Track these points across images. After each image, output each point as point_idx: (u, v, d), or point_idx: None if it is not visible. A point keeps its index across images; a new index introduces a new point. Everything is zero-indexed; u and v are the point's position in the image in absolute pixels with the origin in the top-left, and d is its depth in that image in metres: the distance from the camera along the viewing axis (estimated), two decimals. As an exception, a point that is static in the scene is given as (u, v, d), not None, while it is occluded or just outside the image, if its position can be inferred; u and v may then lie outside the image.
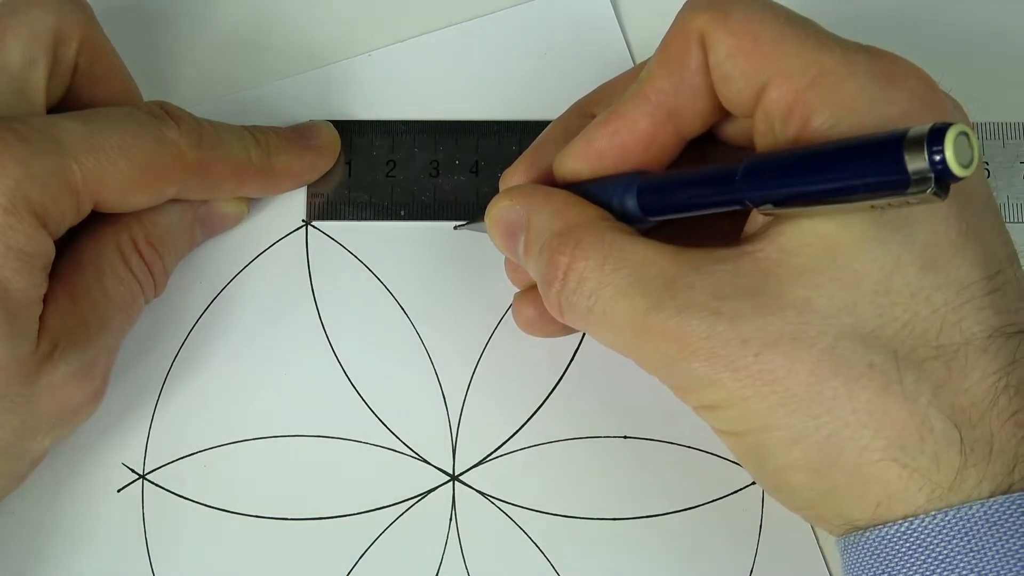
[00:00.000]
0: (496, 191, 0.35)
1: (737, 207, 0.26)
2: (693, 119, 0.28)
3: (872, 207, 0.22)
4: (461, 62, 0.36)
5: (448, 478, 0.34)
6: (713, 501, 0.34)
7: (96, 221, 0.32)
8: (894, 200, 0.22)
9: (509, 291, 0.35)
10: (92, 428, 0.34)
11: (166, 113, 0.31)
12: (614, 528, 0.34)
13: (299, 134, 0.35)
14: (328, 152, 0.35)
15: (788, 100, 0.25)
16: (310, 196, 0.36)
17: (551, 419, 0.35)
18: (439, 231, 0.36)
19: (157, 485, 0.34)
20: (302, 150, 0.34)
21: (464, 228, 0.35)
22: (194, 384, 0.35)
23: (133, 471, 0.34)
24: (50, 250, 0.29)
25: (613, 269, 0.26)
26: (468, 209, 0.35)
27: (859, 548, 0.25)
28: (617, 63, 0.36)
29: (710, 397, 0.26)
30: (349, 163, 0.36)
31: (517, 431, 0.35)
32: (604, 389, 0.35)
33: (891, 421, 0.24)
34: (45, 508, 0.34)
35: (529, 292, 0.33)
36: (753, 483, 0.34)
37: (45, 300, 0.29)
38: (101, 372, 0.31)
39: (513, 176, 0.32)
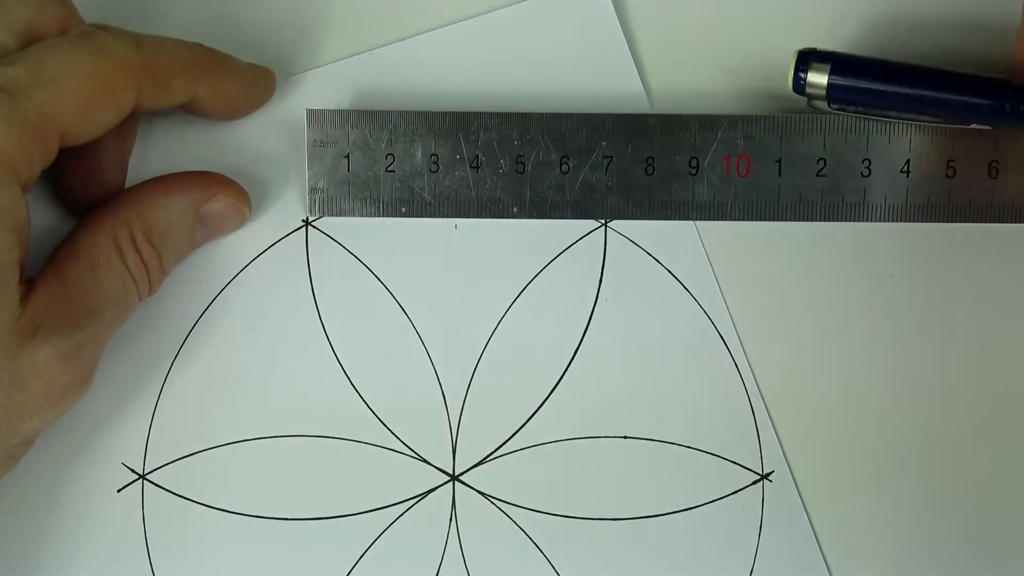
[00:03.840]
0: (496, 189, 0.35)
1: None
2: None
3: None
4: (461, 61, 0.36)
5: (448, 478, 0.34)
6: (713, 501, 0.34)
7: (95, 214, 0.32)
8: None
9: (509, 291, 0.35)
10: (92, 428, 0.34)
11: (97, 28, 0.31)
12: (614, 528, 0.34)
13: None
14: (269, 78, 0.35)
15: None
16: (310, 192, 0.36)
17: (551, 419, 0.35)
18: (440, 229, 0.35)
19: (157, 485, 0.34)
20: (246, 66, 0.34)
21: None
22: (194, 384, 0.35)
23: (133, 471, 0.34)
24: (20, 208, 0.29)
25: None
26: (468, 206, 0.35)
27: None
28: (617, 63, 0.36)
29: None
30: (347, 157, 0.36)
31: (517, 431, 0.35)
32: (604, 389, 0.35)
33: None
34: (45, 508, 0.34)
35: None
36: (753, 483, 0.34)
37: (35, 282, 0.29)
38: (88, 359, 0.31)
39: None
